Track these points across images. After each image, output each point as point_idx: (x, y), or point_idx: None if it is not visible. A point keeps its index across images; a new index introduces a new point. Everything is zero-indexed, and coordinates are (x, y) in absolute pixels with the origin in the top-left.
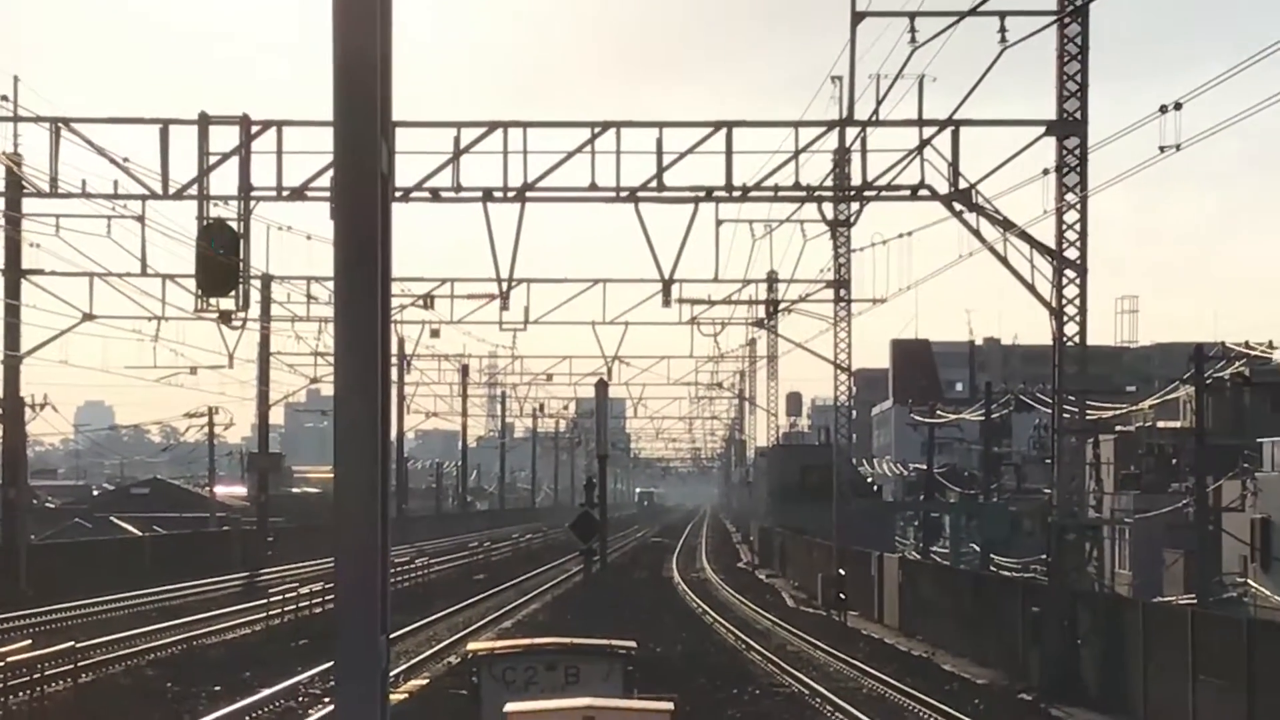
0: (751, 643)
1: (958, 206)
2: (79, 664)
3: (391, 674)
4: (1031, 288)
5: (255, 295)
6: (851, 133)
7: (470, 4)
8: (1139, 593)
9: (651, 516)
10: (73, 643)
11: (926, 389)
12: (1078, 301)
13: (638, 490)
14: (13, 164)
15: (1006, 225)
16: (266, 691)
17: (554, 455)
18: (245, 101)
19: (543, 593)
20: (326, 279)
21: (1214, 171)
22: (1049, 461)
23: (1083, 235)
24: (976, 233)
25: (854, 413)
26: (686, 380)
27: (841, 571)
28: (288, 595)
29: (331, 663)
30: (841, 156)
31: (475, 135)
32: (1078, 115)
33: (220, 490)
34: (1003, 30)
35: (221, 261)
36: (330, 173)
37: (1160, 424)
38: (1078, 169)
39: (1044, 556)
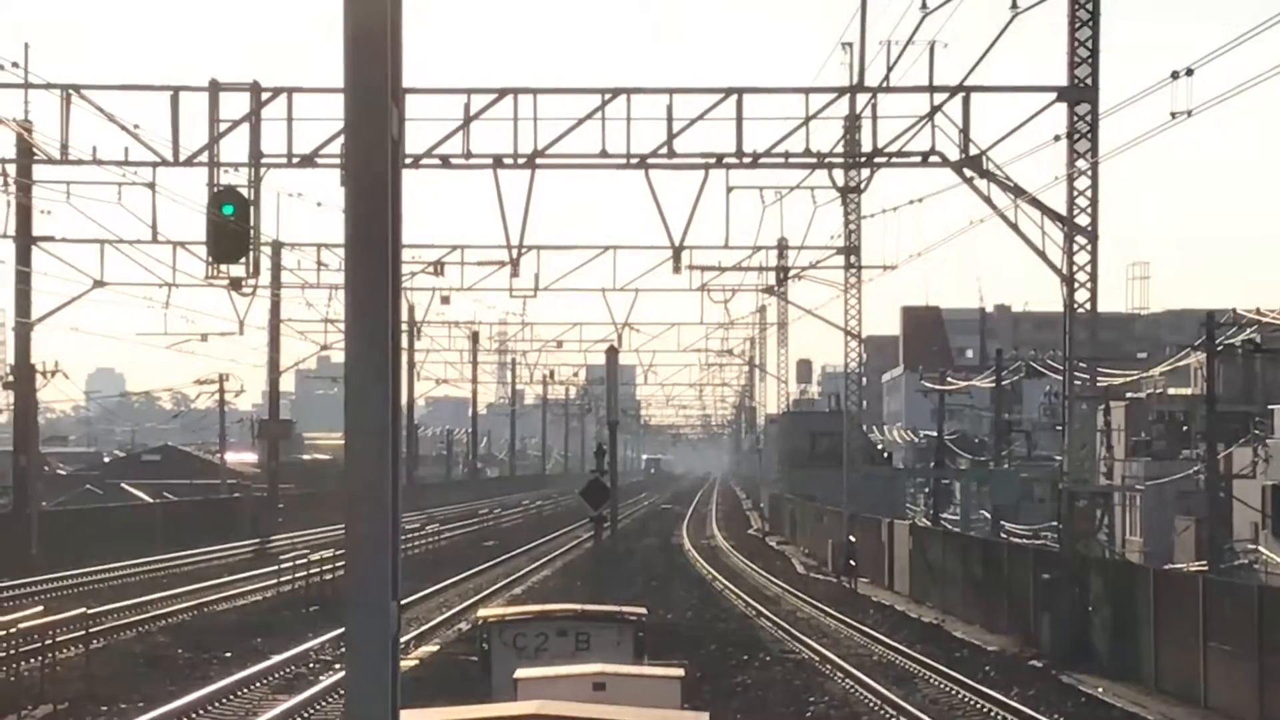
0: (762, 609)
1: (968, 173)
2: (90, 630)
3: (402, 640)
4: (1042, 254)
5: (266, 262)
6: (862, 99)
7: None
8: (1150, 560)
9: (659, 484)
10: (84, 609)
11: (937, 355)
12: (1088, 268)
13: (644, 457)
14: (23, 131)
15: (1017, 192)
16: (277, 658)
17: (564, 422)
18: (256, 68)
19: (553, 559)
20: (337, 246)
21: (1227, 138)
22: (1060, 428)
23: (1094, 202)
24: (987, 199)
25: (864, 379)
26: (697, 347)
27: (852, 538)
28: (298, 562)
29: (342, 629)
30: (852, 123)
31: (485, 101)
32: (1089, 82)
33: (231, 457)
34: None
35: (232, 228)
36: (341, 139)
37: (1171, 391)
38: (1089, 135)
39: (1055, 523)
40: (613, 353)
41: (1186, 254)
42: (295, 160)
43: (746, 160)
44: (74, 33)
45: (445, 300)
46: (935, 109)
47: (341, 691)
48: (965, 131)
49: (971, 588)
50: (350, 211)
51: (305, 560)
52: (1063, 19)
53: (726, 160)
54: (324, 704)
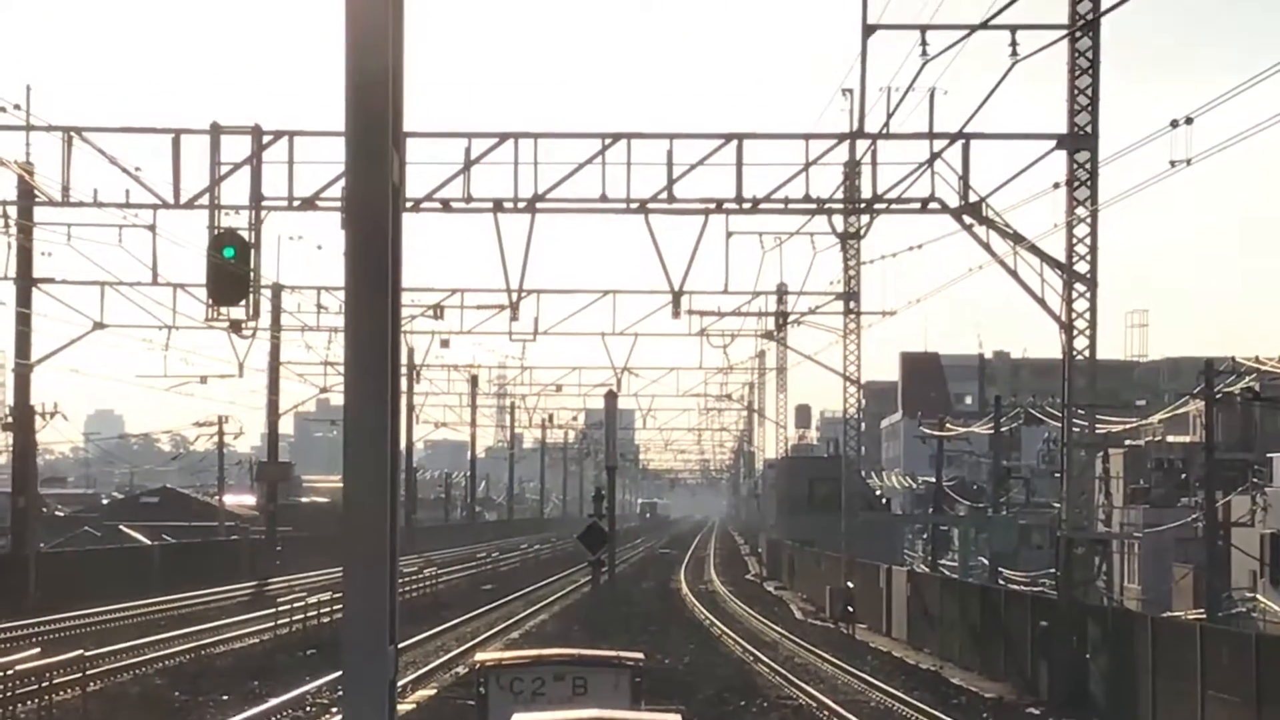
0: (759, 655)
1: (968, 220)
2: (87, 672)
3: (399, 684)
4: (1041, 301)
5: (266, 305)
6: (862, 145)
7: (481, 15)
8: (1148, 607)
9: (656, 530)
10: (81, 651)
11: (935, 402)
12: (1087, 315)
13: (639, 501)
14: (25, 173)
15: (1017, 239)
16: (275, 701)
17: (563, 466)
18: (257, 111)
19: (551, 603)
20: (337, 289)
21: (1225, 186)
22: (1058, 475)
23: (1093, 249)
24: (986, 246)
25: (863, 425)
26: (695, 392)
27: (850, 584)
28: (296, 604)
29: (340, 672)
30: (852, 169)
31: (486, 146)
32: (1088, 129)
33: (229, 499)
34: (1014, 44)
35: (232, 271)
36: (341, 183)
37: (1170, 438)
38: (1088, 183)
39: (1053, 570)
40: (612, 397)
41: (1185, 302)
42: (296, 203)
43: (746, 205)
44: (76, 75)
45: (445, 344)
46: (935, 155)
47: None
48: (965, 178)
49: (969, 634)
50: (351, 255)
51: (303, 603)
52: (1062, 67)
53: (726, 205)
54: None
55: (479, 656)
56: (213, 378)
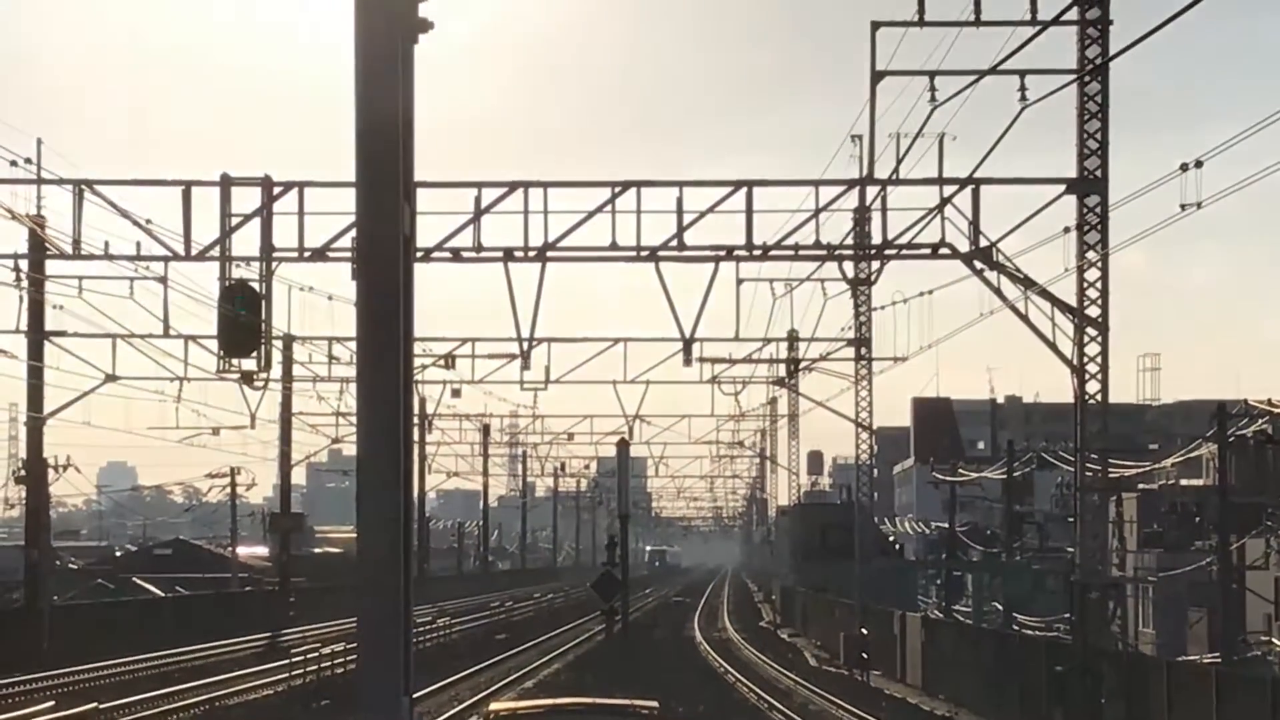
0: (774, 702)
1: (978, 265)
2: None
3: None
4: (1053, 346)
5: (277, 356)
6: (872, 191)
7: (491, 66)
8: (1162, 652)
9: (666, 579)
10: (95, 704)
11: (948, 447)
12: (1099, 359)
13: (648, 549)
14: (36, 226)
15: (1027, 283)
16: None
17: (575, 515)
18: (267, 162)
19: (564, 652)
20: (349, 339)
21: (1236, 229)
22: (1071, 520)
23: (1104, 293)
24: (998, 291)
25: (875, 471)
26: (707, 439)
27: (864, 630)
28: (310, 655)
29: None
30: (862, 215)
31: (496, 195)
32: (1098, 173)
33: (242, 551)
34: (1023, 89)
35: (243, 322)
36: (352, 233)
37: (1183, 482)
38: (1098, 227)
39: (1067, 615)
40: (623, 445)
41: (1198, 345)
42: (307, 254)
43: (757, 253)
44: (86, 128)
45: (456, 393)
46: (945, 201)
47: None
48: (975, 223)
49: (984, 680)
50: (362, 305)
51: (317, 653)
52: (1072, 111)
53: (737, 252)
54: None
55: (493, 706)
56: (225, 429)
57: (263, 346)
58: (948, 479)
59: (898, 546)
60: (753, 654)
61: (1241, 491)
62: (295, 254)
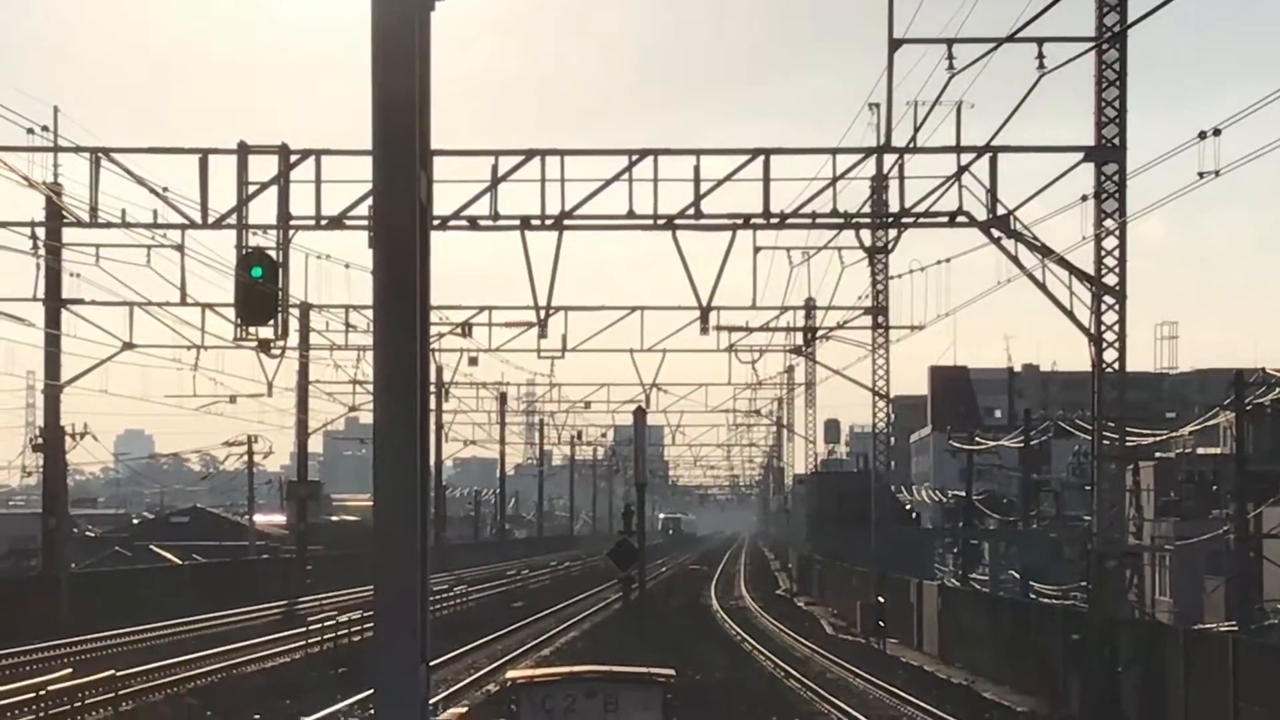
0: (790, 670)
1: (996, 233)
2: (119, 692)
3: (431, 702)
4: (1070, 314)
5: (294, 324)
6: (889, 159)
7: (508, 33)
8: (1179, 620)
9: (680, 547)
10: (113, 671)
11: (965, 415)
12: (1117, 328)
13: (661, 516)
14: (53, 194)
15: (1045, 252)
16: None
17: (592, 483)
18: (284, 131)
19: (581, 620)
20: (365, 307)
21: (1253, 197)
22: (1088, 488)
23: (1121, 261)
24: (1015, 259)
25: (892, 439)
26: (724, 407)
27: (880, 599)
28: (327, 623)
29: (371, 691)
30: (879, 183)
31: (513, 163)
32: (1116, 141)
33: (259, 519)
34: (1040, 56)
35: (260, 290)
36: (369, 201)
37: (1200, 450)
38: (1116, 195)
39: (1084, 584)
40: (640, 413)
41: (1215, 313)
42: (323, 222)
43: (774, 221)
44: (103, 96)
45: (473, 361)
46: (962, 169)
47: None
48: (992, 191)
49: (1000, 648)
50: (379, 273)
51: (334, 622)
52: (1089, 79)
53: (754, 221)
54: None
55: (510, 674)
56: (242, 397)
57: (280, 314)
58: (965, 447)
59: (914, 515)
60: (769, 622)
61: (1259, 460)
62: (312, 222)
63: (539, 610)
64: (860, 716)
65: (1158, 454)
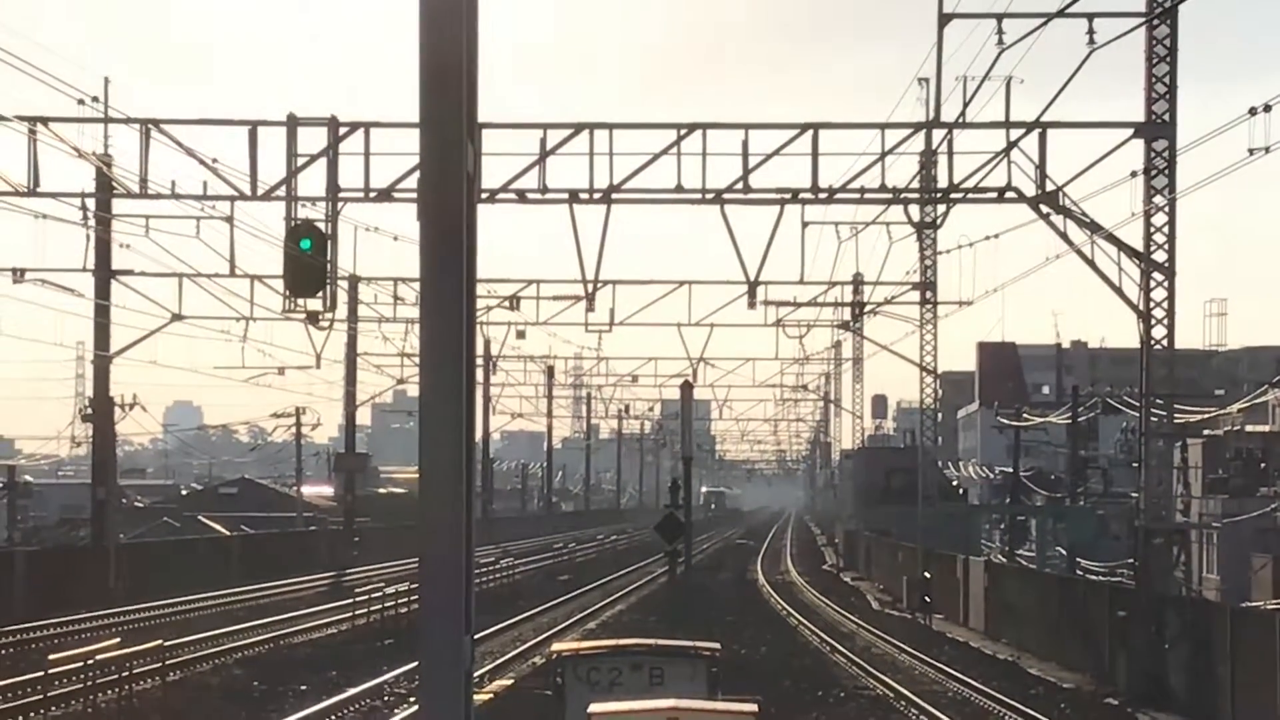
0: (836, 645)
1: (1045, 209)
2: (167, 662)
3: (476, 674)
4: (1119, 291)
5: (343, 296)
6: (938, 135)
7: (556, 6)
8: (1227, 598)
9: (722, 524)
10: (161, 641)
11: (1013, 392)
12: (1165, 305)
13: (704, 490)
14: (103, 165)
15: (1094, 228)
16: (352, 691)
17: (639, 456)
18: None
19: (627, 594)
20: (413, 280)
21: None
22: (1136, 465)
23: (1171, 238)
24: (1064, 235)
25: (939, 415)
26: (771, 382)
27: (927, 574)
28: (373, 595)
29: (416, 663)
30: (928, 158)
31: (561, 137)
32: (1166, 117)
33: (307, 490)
34: (1091, 32)
35: (309, 262)
36: (417, 174)
37: (1249, 428)
38: (1166, 171)
39: (1131, 561)
40: (687, 388)
41: (1265, 291)
42: (372, 195)
43: (822, 196)
44: (154, 68)
45: (521, 335)
46: (1012, 145)
47: None
48: (1041, 167)
49: (1047, 625)
50: (426, 246)
51: (380, 593)
52: (1140, 55)
53: (802, 195)
54: None
55: (556, 646)
56: (290, 369)
57: (328, 287)
58: (1012, 424)
59: (961, 491)
60: (815, 596)
61: None
62: (361, 194)
63: (585, 584)
64: (906, 691)
65: (1206, 431)
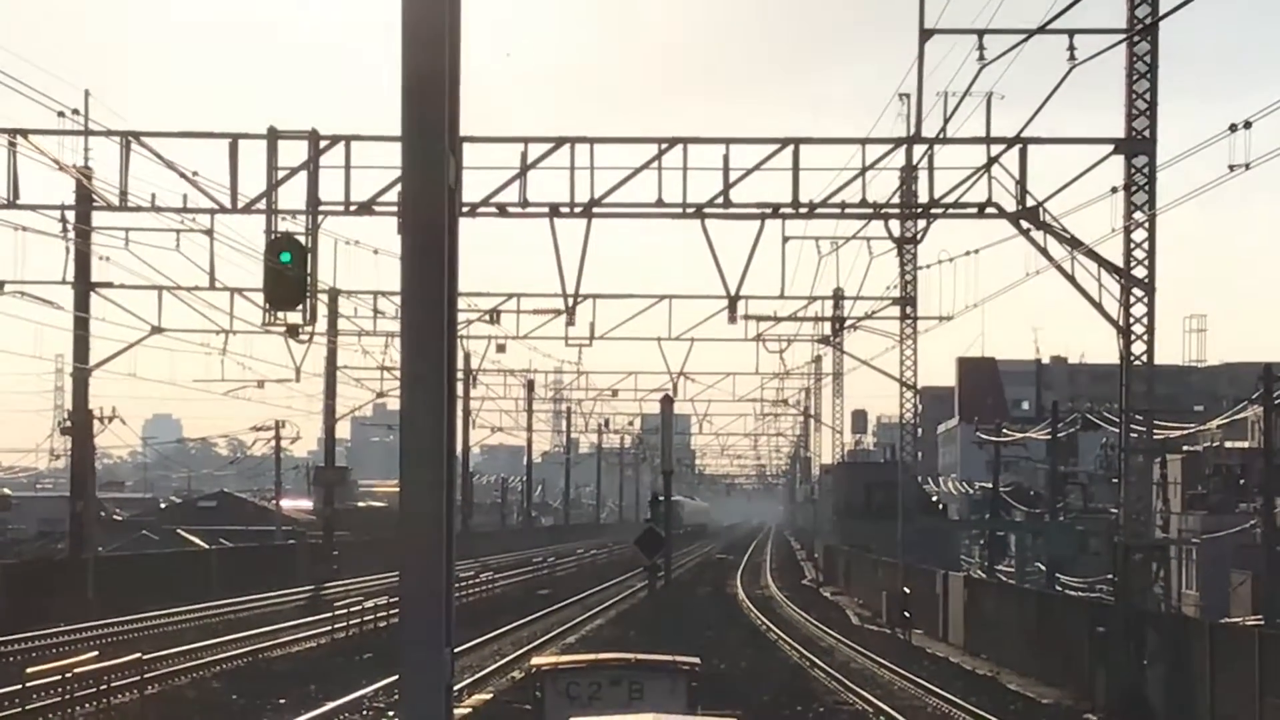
0: (816, 660)
1: (1025, 224)
2: (145, 675)
3: (455, 688)
4: (1099, 306)
5: (323, 309)
6: (919, 150)
7: (537, 21)
8: (1206, 614)
9: (701, 538)
10: (139, 654)
11: (992, 407)
12: (1145, 320)
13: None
14: (83, 177)
15: (1074, 244)
16: (331, 704)
17: (619, 471)
18: (314, 116)
19: (607, 608)
20: (394, 293)
21: None
22: (1116, 481)
23: (1151, 254)
24: (1044, 251)
25: (919, 430)
26: (752, 397)
27: (906, 590)
28: (352, 609)
29: (396, 676)
30: (908, 173)
31: (542, 150)
32: (1146, 134)
33: (286, 504)
34: (1071, 48)
35: (289, 275)
36: (398, 187)
37: (1228, 444)
38: (1146, 187)
39: (1110, 576)
40: (668, 402)
41: (1244, 307)
42: (352, 208)
43: (803, 210)
44: (134, 80)
45: (501, 348)
46: (992, 160)
47: None
48: (1022, 183)
49: (1026, 640)
50: (407, 259)
51: (360, 607)
52: (1120, 71)
53: (783, 210)
54: None
55: (535, 661)
56: (270, 382)
57: (308, 300)
58: (992, 439)
59: (941, 506)
60: (795, 611)
61: None
62: (341, 207)
63: (565, 598)
64: (885, 707)
65: (1185, 447)
